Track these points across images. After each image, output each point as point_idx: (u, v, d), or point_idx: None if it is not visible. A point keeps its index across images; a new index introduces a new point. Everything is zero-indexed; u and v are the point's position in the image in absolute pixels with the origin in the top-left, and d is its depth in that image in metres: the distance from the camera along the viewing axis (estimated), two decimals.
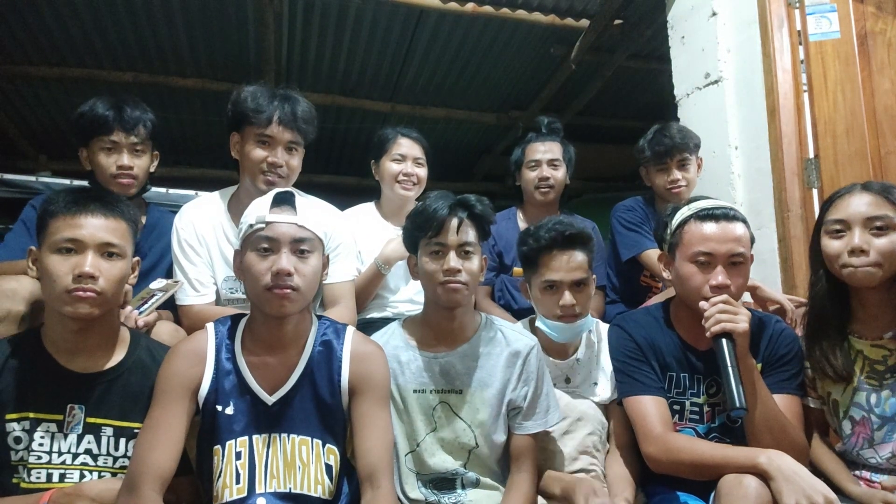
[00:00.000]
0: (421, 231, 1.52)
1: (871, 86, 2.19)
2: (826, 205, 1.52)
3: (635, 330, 1.59)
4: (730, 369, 1.30)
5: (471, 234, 1.51)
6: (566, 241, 1.62)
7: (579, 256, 1.63)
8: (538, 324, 1.69)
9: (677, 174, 2.24)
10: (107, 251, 1.30)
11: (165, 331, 1.61)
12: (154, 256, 1.89)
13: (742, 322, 1.34)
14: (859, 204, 1.44)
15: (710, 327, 1.35)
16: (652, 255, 2.23)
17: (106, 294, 1.28)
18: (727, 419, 1.52)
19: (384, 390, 1.42)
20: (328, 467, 1.35)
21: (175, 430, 1.25)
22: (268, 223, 1.32)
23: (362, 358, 1.40)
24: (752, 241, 1.51)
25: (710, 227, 1.45)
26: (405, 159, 2.22)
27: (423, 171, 2.25)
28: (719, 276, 1.42)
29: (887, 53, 2.20)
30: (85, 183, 1.88)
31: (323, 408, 1.36)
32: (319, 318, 1.46)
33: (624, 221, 2.37)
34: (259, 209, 1.35)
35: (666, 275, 1.58)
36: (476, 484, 1.51)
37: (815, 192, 2.18)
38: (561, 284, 1.62)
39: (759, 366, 1.48)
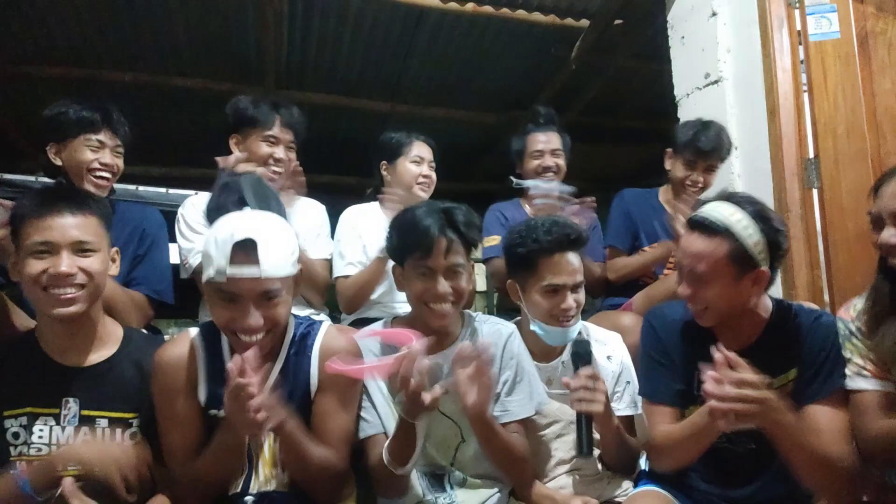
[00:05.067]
0: (408, 251, 1.49)
1: (871, 86, 2.19)
2: (872, 192, 1.48)
3: (662, 326, 1.54)
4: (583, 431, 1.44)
5: (459, 257, 1.48)
6: (570, 244, 1.59)
7: (578, 259, 1.61)
8: (532, 328, 1.64)
9: (699, 177, 2.22)
10: (80, 248, 1.31)
11: None
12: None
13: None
14: (891, 196, 1.39)
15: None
16: (609, 252, 2.38)
17: (88, 287, 1.31)
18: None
19: (350, 390, 1.39)
20: None
21: (191, 421, 1.31)
22: (229, 278, 1.21)
23: (331, 354, 1.34)
24: (721, 254, 1.39)
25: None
26: (423, 162, 2.27)
27: (434, 175, 2.32)
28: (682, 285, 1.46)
29: (887, 53, 2.20)
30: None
31: (303, 406, 1.36)
32: (295, 316, 1.44)
33: (619, 212, 2.44)
34: (219, 257, 1.21)
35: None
36: (462, 483, 1.51)
37: (814, 192, 2.18)
38: (564, 287, 1.59)
39: (795, 371, 1.41)
